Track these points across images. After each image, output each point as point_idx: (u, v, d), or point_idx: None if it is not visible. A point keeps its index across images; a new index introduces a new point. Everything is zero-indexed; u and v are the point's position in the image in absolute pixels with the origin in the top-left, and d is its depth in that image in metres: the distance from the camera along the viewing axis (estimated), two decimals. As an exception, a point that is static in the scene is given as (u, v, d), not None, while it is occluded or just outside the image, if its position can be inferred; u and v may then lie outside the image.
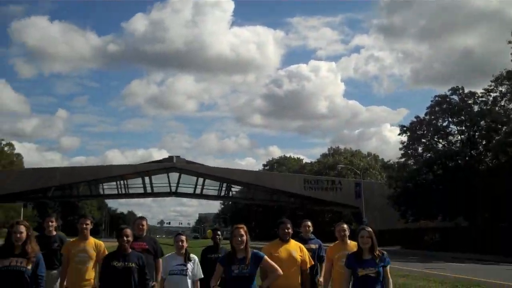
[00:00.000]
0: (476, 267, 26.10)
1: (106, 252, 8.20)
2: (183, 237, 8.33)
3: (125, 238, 7.23)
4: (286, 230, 8.20)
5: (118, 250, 7.31)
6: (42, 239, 8.23)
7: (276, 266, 7.05)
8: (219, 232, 9.89)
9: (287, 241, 8.21)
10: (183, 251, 8.16)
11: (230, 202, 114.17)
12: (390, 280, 7.08)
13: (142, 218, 9.59)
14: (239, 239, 6.88)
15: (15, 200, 71.81)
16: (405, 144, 55.29)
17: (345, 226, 8.85)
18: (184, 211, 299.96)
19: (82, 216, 8.88)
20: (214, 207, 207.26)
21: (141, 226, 9.29)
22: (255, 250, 7.09)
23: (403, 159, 56.32)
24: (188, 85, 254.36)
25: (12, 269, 6.58)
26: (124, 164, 77.52)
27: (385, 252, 7.17)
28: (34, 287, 6.71)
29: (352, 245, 8.23)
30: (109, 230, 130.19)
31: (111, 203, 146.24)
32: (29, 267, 6.68)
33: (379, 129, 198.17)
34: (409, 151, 55.43)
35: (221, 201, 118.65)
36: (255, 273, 6.86)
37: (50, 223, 9.38)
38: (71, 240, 8.74)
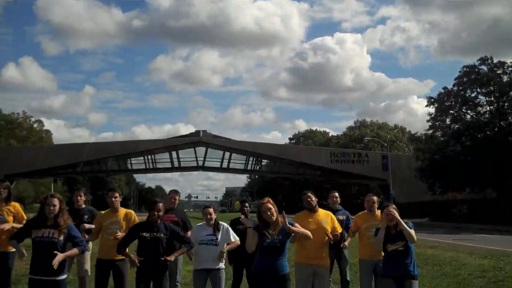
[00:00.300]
0: (504, 239, 25.93)
1: (137, 221, 8.42)
2: (211, 209, 8.53)
3: (156, 213, 7.41)
4: (309, 200, 8.29)
5: (147, 221, 7.48)
6: (71, 213, 8.25)
7: (305, 230, 7.19)
8: (247, 204, 10.04)
9: (315, 211, 8.30)
10: (212, 222, 8.39)
11: (257, 176, 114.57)
12: (410, 234, 7.04)
13: (176, 192, 9.82)
14: (269, 213, 6.91)
15: (45, 175, 73.07)
16: (432, 115, 54.59)
17: (375, 198, 8.91)
18: (211, 185, 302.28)
19: (110, 189, 9.00)
20: (241, 181, 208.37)
21: (173, 200, 9.59)
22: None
23: (430, 131, 55.61)
24: (213, 60, 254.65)
25: (45, 240, 6.77)
26: (152, 139, 77.96)
27: (408, 221, 7.24)
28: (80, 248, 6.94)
29: (379, 215, 8.21)
30: (137, 205, 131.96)
31: (139, 178, 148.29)
32: (61, 238, 6.84)
33: (406, 102, 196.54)
34: (436, 123, 54.70)
35: (248, 175, 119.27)
36: (285, 242, 6.95)
37: (79, 197, 9.67)
38: (102, 212, 8.88)
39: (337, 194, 10.26)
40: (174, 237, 7.53)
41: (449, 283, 11.51)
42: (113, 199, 8.64)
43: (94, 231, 8.85)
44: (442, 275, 12.43)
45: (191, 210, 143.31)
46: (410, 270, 7.04)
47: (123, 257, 8.26)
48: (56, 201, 6.99)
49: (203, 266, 8.21)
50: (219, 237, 8.31)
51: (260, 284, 6.88)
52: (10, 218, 8.55)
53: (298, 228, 7.13)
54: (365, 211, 8.92)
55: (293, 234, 7.08)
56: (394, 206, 7.34)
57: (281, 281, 6.82)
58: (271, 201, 7.10)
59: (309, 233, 7.18)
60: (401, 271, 7.01)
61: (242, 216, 8.12)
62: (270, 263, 6.83)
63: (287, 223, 6.82)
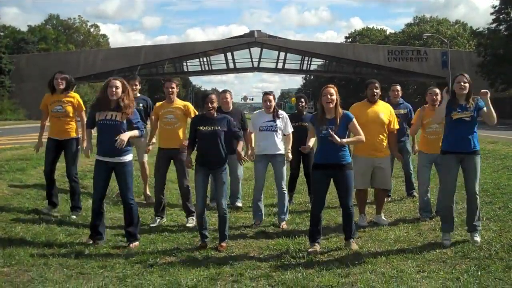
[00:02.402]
0: None
1: (195, 112, 8.60)
2: (271, 96, 8.49)
3: (210, 105, 7.23)
4: (375, 91, 8.26)
5: (203, 115, 7.43)
6: None
7: (361, 132, 6.92)
8: (303, 100, 9.85)
9: (375, 102, 8.28)
10: (271, 109, 8.41)
11: (312, 77, 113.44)
12: (493, 114, 6.89)
13: (225, 91, 9.49)
14: (329, 97, 6.73)
15: (104, 79, 74.33)
16: (496, 8, 52.08)
17: (438, 90, 8.50)
18: (266, 87, 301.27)
19: (167, 80, 8.83)
20: (296, 82, 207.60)
21: (225, 100, 9.37)
22: (345, 111, 6.99)
23: (494, 25, 53.16)
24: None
25: (108, 123, 7.04)
26: (206, 40, 77.72)
27: (479, 97, 7.02)
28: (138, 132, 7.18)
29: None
30: (194, 107, 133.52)
31: (195, 81, 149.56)
32: (124, 120, 7.08)
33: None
34: (501, 16, 52.19)
35: (303, 76, 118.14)
36: (345, 135, 6.83)
37: (134, 86, 9.56)
38: (159, 103, 8.92)
39: (398, 87, 10.01)
40: (228, 130, 7.30)
41: (510, 176, 11.42)
42: (170, 90, 8.59)
43: (153, 124, 9.12)
44: (504, 168, 12.34)
45: (247, 112, 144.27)
46: (472, 146, 6.87)
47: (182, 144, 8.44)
48: (118, 84, 7.10)
49: (264, 152, 8.41)
50: (278, 124, 8.36)
51: (321, 175, 6.89)
52: (70, 109, 8.81)
53: (349, 139, 6.94)
54: (427, 105, 8.62)
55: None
56: (468, 76, 7.06)
57: (343, 170, 6.80)
58: (335, 88, 6.88)
59: (362, 137, 6.94)
60: (464, 146, 6.87)
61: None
62: (330, 153, 6.77)
63: (337, 138, 6.60)
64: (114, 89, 7.02)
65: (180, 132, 8.57)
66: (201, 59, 70.85)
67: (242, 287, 5.49)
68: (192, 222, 8.40)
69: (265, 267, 6.12)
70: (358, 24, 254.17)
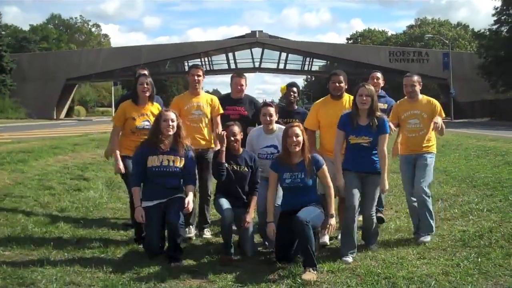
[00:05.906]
0: None
1: (221, 110, 7.22)
2: (272, 110, 6.56)
3: (232, 138, 6.17)
4: (337, 84, 6.75)
5: (227, 149, 6.17)
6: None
7: (330, 182, 5.91)
8: (295, 89, 7.70)
9: (338, 98, 6.82)
10: (272, 126, 6.63)
11: (313, 78, 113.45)
12: (385, 155, 5.97)
13: (239, 75, 7.70)
14: (295, 139, 5.71)
15: (105, 78, 74.49)
16: (498, 9, 51.81)
17: (415, 78, 6.90)
18: (267, 89, 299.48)
19: (193, 66, 7.31)
20: (297, 84, 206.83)
21: (239, 87, 7.56)
22: (315, 154, 6.03)
23: (495, 26, 53.05)
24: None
25: (164, 170, 5.85)
26: (208, 40, 77.85)
27: (385, 118, 6.14)
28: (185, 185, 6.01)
29: (424, 101, 6.86)
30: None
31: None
32: (182, 165, 5.93)
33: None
34: (502, 17, 52.00)
35: (304, 78, 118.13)
36: (312, 183, 5.87)
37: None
38: (181, 95, 7.58)
39: (379, 75, 8.11)
40: (253, 172, 6.30)
41: (510, 171, 11.40)
42: (196, 78, 7.09)
43: None
44: (504, 163, 12.32)
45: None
46: (376, 166, 6.03)
47: (209, 145, 7.14)
48: (173, 115, 5.93)
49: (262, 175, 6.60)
50: (280, 148, 6.28)
51: (283, 224, 5.79)
52: None
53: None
54: (405, 97, 7.06)
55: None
56: (371, 87, 5.99)
57: (302, 226, 5.43)
58: (301, 127, 5.88)
59: (331, 189, 5.86)
60: (364, 167, 6.03)
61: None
62: (293, 203, 5.80)
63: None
64: (170, 123, 5.84)
65: (207, 131, 7.18)
66: (202, 59, 70.80)
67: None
68: (208, 233, 7.21)
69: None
70: (359, 26, 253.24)
